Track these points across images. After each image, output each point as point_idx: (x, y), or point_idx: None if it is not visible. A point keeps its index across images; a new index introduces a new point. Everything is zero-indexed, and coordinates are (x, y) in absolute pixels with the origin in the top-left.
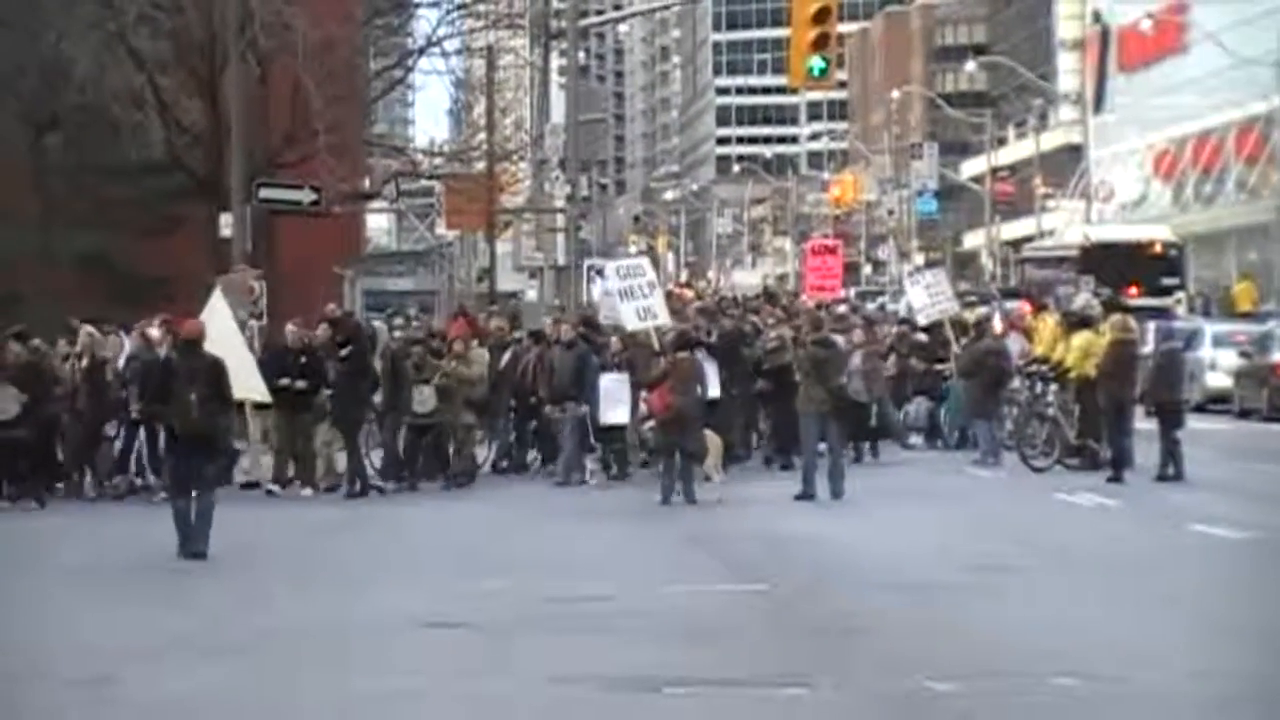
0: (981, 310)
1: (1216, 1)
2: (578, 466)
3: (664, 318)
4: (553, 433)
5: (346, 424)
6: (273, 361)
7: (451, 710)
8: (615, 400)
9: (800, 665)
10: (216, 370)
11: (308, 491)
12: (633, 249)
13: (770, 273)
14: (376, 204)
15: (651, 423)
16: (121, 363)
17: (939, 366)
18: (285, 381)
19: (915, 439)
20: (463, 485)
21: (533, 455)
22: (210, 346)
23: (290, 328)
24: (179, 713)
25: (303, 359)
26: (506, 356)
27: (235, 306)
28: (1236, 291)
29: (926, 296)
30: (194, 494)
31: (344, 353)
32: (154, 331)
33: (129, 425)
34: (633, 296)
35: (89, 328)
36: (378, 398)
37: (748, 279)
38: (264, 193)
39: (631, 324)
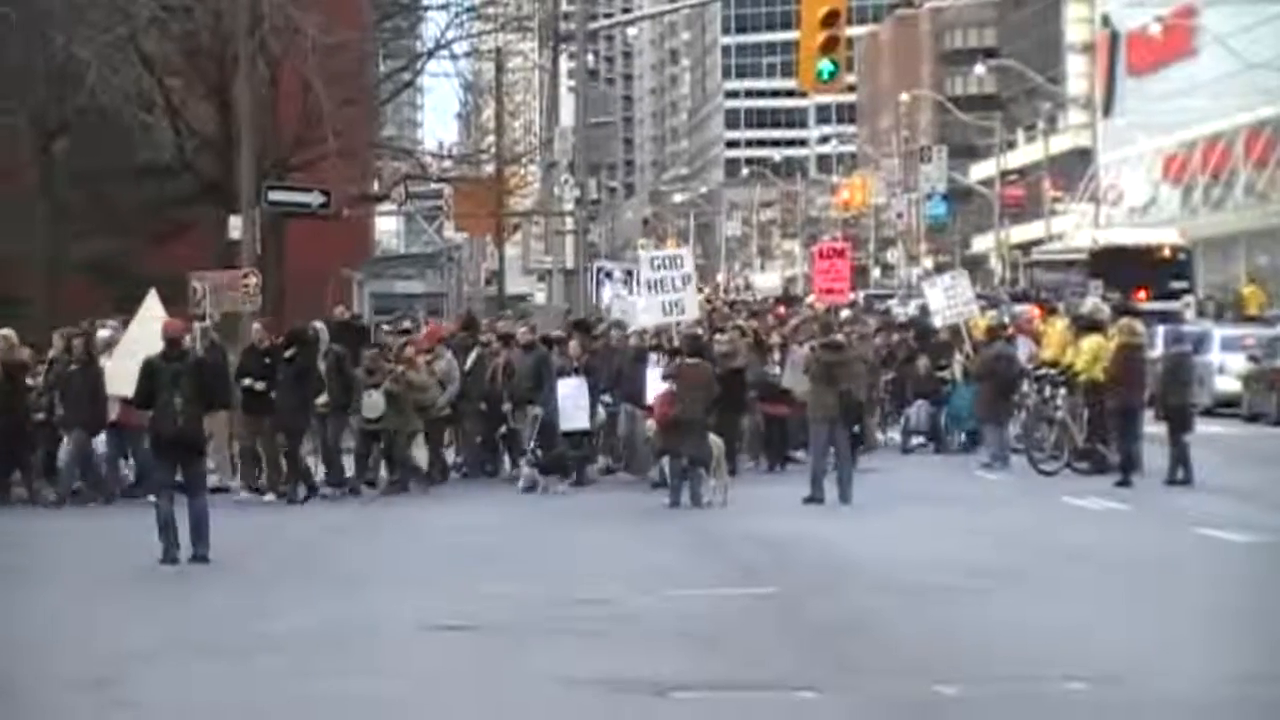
0: (991, 314)
1: (1225, 5)
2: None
3: (692, 313)
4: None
5: (289, 428)
6: (239, 362)
7: (457, 714)
8: (574, 406)
9: (808, 669)
10: (199, 371)
11: (270, 496)
12: (640, 252)
13: (786, 275)
14: (385, 207)
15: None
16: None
17: (939, 372)
18: (247, 382)
19: (916, 441)
20: (402, 491)
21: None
22: (142, 351)
23: (256, 327)
24: (180, 715)
25: (266, 360)
26: (471, 359)
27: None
28: (1245, 294)
29: (944, 299)
30: (187, 499)
31: (288, 354)
32: (104, 333)
33: (51, 431)
34: (663, 289)
35: (6, 331)
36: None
37: (767, 281)
38: (273, 195)
39: (655, 319)
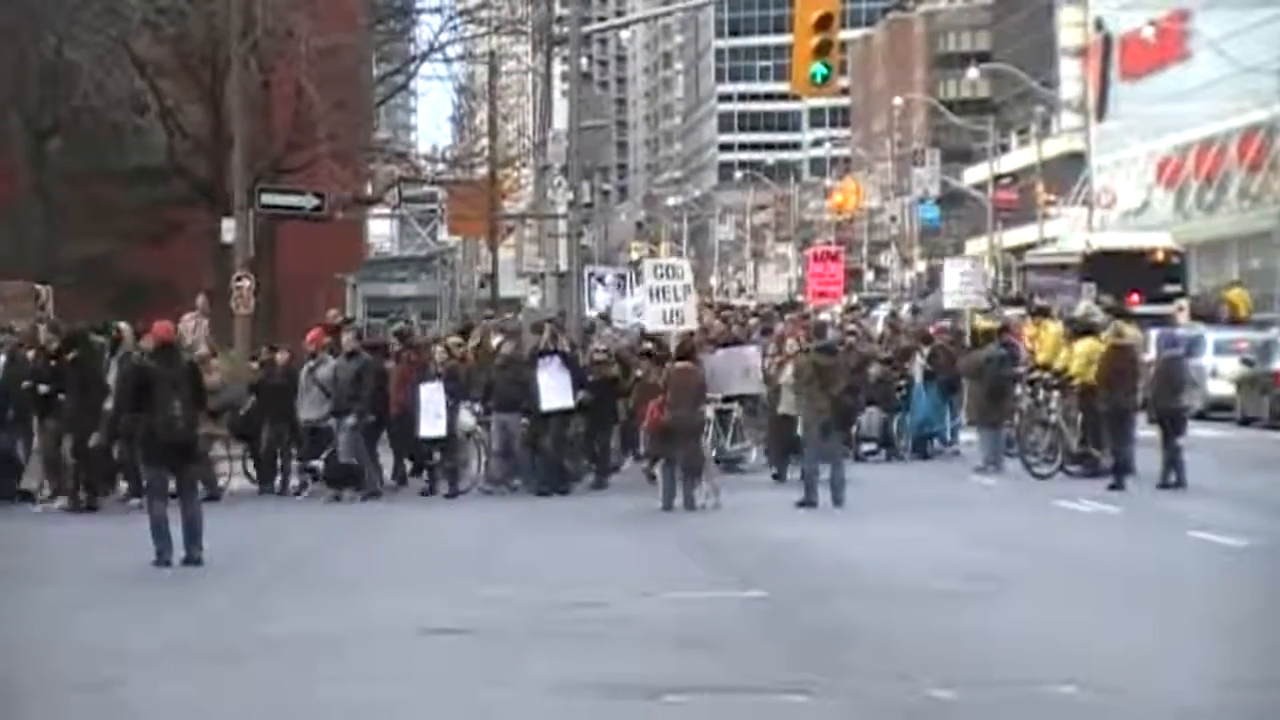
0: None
1: (1218, 9)
2: (373, 476)
3: (691, 323)
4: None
5: (75, 433)
6: (24, 364)
7: (452, 718)
8: (433, 413)
9: (801, 673)
10: (194, 375)
11: (59, 503)
12: (634, 255)
13: (789, 278)
14: (378, 210)
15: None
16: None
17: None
18: (27, 384)
19: (867, 448)
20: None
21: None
22: None
23: (42, 328)
24: (182, 718)
25: (53, 362)
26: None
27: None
28: (1230, 298)
29: (958, 281)
30: (180, 501)
31: (69, 357)
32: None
33: None
34: (664, 298)
35: None
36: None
37: (774, 287)
38: (266, 198)
39: (654, 325)
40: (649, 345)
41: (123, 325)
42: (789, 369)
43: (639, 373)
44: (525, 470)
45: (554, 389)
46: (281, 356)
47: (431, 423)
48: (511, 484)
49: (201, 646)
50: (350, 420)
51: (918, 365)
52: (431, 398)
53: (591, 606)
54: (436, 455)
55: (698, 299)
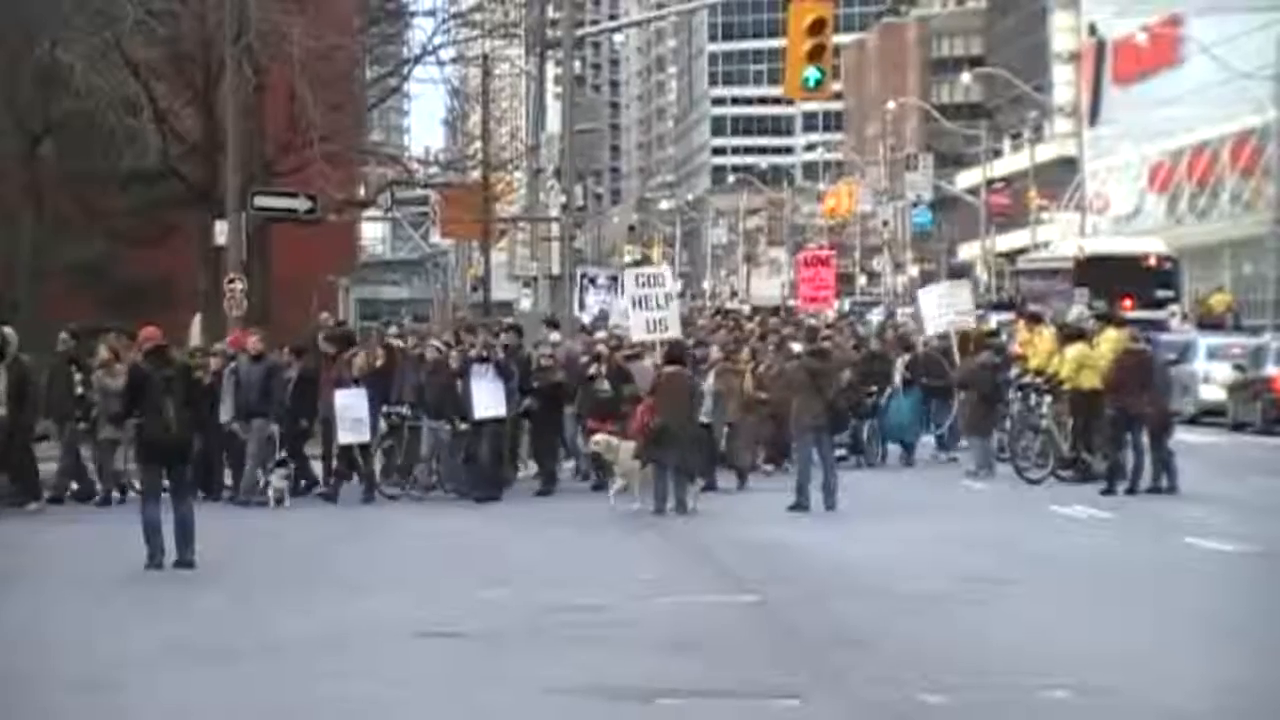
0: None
1: (1211, 15)
2: (256, 484)
3: (674, 331)
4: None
5: None
6: None
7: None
8: (353, 418)
9: (793, 676)
10: (187, 377)
11: None
12: (627, 259)
13: (781, 281)
14: (371, 212)
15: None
16: None
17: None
18: None
19: (838, 453)
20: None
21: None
22: None
23: None
24: (179, 717)
25: None
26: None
27: None
28: (1214, 302)
29: (936, 307)
30: (173, 504)
31: None
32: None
33: None
34: (646, 306)
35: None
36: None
37: (767, 290)
38: (259, 201)
39: (639, 334)
40: (600, 348)
41: (7, 330)
42: (711, 376)
43: (591, 372)
44: (453, 477)
45: (487, 397)
46: (216, 362)
47: (349, 429)
48: (445, 488)
49: (197, 647)
50: (269, 427)
51: (897, 371)
52: (348, 404)
53: (586, 609)
54: (334, 462)
55: (699, 304)
